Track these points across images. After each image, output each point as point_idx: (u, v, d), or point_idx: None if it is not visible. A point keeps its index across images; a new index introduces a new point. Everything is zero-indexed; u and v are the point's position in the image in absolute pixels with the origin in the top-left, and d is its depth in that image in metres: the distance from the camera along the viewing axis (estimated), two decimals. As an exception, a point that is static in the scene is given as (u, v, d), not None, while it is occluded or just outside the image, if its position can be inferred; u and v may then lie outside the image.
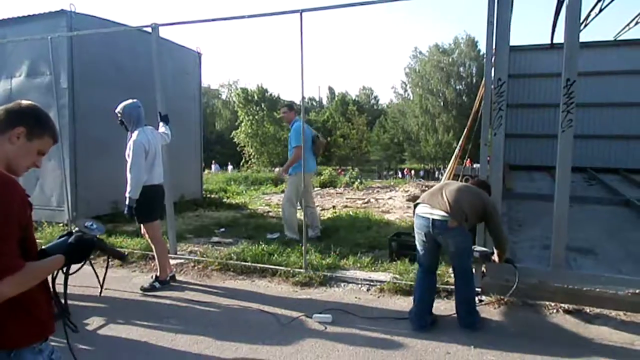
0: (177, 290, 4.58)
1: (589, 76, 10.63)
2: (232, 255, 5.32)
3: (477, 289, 3.92)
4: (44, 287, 1.57)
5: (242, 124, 46.82)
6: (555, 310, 3.89)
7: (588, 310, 3.83)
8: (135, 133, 4.43)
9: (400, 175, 42.27)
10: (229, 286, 4.72)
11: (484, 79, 4.56)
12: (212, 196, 11.34)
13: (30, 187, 7.35)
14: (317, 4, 4.73)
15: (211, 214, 8.79)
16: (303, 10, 4.59)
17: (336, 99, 61.96)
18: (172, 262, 5.16)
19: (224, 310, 4.09)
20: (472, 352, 3.24)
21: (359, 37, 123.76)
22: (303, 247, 4.93)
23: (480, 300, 4.06)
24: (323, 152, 6.43)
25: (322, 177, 17.60)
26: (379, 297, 4.34)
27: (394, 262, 5.03)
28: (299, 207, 6.48)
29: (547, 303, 3.97)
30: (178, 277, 4.95)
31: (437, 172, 43.17)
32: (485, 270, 4.26)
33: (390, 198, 12.40)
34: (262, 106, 47.55)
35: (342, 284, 4.65)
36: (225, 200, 11.03)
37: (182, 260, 5.42)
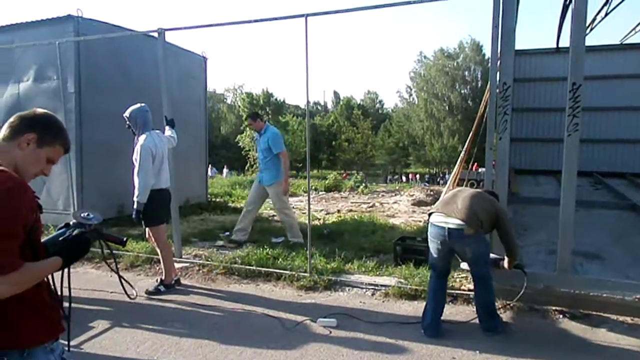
0: (182, 294, 4.59)
1: (595, 80, 10.59)
2: (237, 259, 5.33)
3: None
4: (51, 288, 1.59)
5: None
6: (561, 316, 3.86)
7: (595, 316, 3.80)
8: (143, 137, 4.46)
9: (404, 180, 42.21)
10: (233, 290, 4.72)
11: (489, 83, 4.56)
12: (217, 200, 11.36)
13: (37, 191, 7.26)
14: (322, 9, 4.76)
15: (216, 218, 8.80)
16: (308, 15, 4.60)
17: (341, 103, 62.07)
18: (177, 265, 5.17)
19: (228, 314, 4.09)
20: (478, 357, 3.22)
21: (363, 42, 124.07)
22: (308, 251, 4.93)
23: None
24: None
25: (327, 181, 17.61)
26: (383, 301, 4.32)
27: (399, 267, 5.01)
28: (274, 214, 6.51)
29: (553, 308, 3.95)
30: (183, 281, 4.96)
31: (438, 178, 43.02)
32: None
33: (395, 202, 12.38)
34: (267, 110, 47.71)
35: (347, 288, 4.64)
36: (230, 204, 11.04)
37: (187, 264, 5.43)
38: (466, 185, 10.67)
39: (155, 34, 5.48)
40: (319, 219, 8.86)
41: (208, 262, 5.37)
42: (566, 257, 4.06)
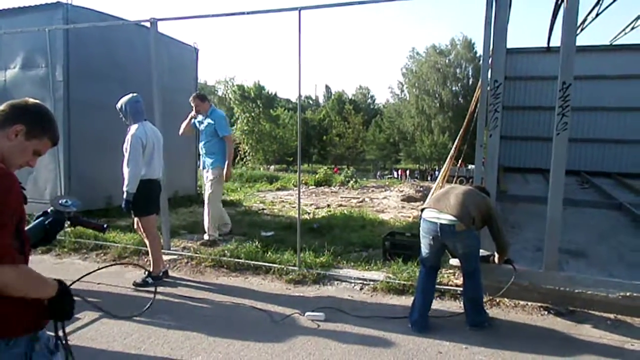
0: (170, 286, 4.57)
1: (584, 80, 10.69)
2: (226, 252, 5.32)
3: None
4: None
5: (238, 121, 46.76)
6: (547, 312, 3.92)
7: (579, 312, 3.86)
8: (134, 127, 4.45)
9: (395, 175, 42.40)
10: (222, 283, 4.71)
11: (480, 80, 4.58)
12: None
13: (24, 180, 7.16)
14: (315, 2, 4.73)
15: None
16: (302, 8, 4.58)
17: (333, 97, 62.03)
18: (165, 257, 5.15)
19: (216, 306, 4.08)
20: (464, 352, 3.26)
21: (356, 36, 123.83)
22: (297, 245, 4.93)
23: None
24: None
25: (317, 176, 17.62)
26: (372, 295, 4.35)
27: (388, 261, 5.04)
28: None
29: (539, 304, 4.00)
30: (171, 273, 4.94)
31: (427, 174, 43.22)
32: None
33: (385, 198, 12.43)
34: (258, 103, 47.50)
35: (336, 283, 4.66)
36: (219, 196, 10.99)
37: (175, 256, 5.41)
38: (455, 182, 10.75)
39: (147, 24, 5.42)
40: (309, 213, 8.87)
41: (197, 255, 5.36)
42: (552, 255, 4.11)
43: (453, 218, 3.45)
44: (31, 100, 1.62)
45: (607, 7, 9.62)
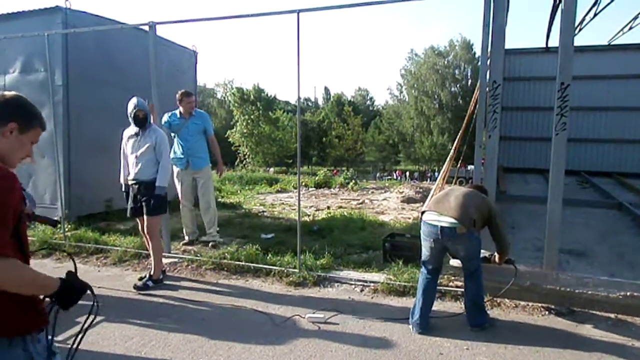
0: (171, 289, 4.57)
1: (583, 80, 10.71)
2: (226, 254, 5.31)
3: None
4: None
5: (238, 124, 46.78)
6: (547, 312, 3.92)
7: (580, 312, 3.86)
8: (157, 128, 4.75)
9: (394, 177, 42.43)
10: (222, 285, 4.71)
11: (479, 81, 4.58)
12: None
13: (23, 184, 7.27)
14: (314, 5, 4.74)
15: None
16: (300, 11, 4.59)
17: (332, 99, 62.08)
18: (165, 261, 5.16)
19: (217, 309, 4.08)
20: (465, 352, 3.26)
21: (355, 38, 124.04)
22: (298, 248, 4.93)
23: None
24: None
25: (317, 178, 17.60)
26: (372, 297, 4.35)
27: (388, 263, 5.04)
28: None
29: (540, 305, 4.00)
30: (171, 275, 4.94)
31: (428, 174, 43.21)
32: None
33: (384, 199, 12.43)
34: (258, 106, 47.52)
35: (336, 284, 4.66)
36: (219, 199, 10.99)
37: (175, 259, 5.41)
38: (455, 183, 10.75)
39: (146, 27, 5.43)
40: (309, 215, 8.87)
41: (197, 258, 5.36)
42: (553, 255, 4.11)
43: (454, 221, 3.45)
44: (8, 93, 1.63)
45: (605, 7, 9.64)
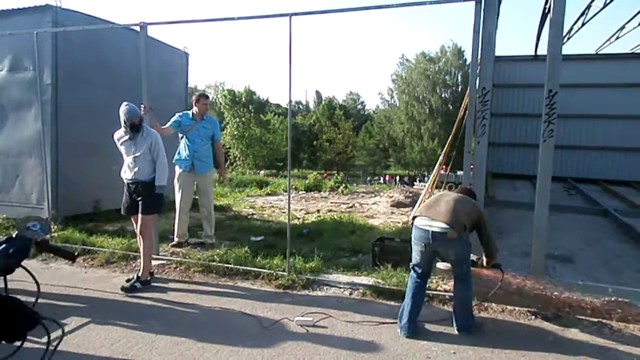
0: (159, 292, 4.53)
1: (571, 88, 10.87)
2: (215, 257, 5.29)
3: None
4: None
5: (228, 126, 46.63)
6: (534, 317, 3.95)
7: (566, 317, 3.90)
8: (150, 129, 4.77)
9: (381, 180, 42.58)
10: (211, 288, 4.68)
11: (469, 87, 4.64)
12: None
13: (10, 184, 7.21)
14: (306, 9, 4.76)
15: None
16: (293, 14, 4.60)
17: (323, 103, 62.18)
18: (154, 262, 5.12)
19: (205, 312, 4.06)
20: (453, 356, 3.28)
21: (347, 43, 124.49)
22: (287, 251, 4.93)
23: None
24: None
25: (307, 181, 17.62)
26: (361, 301, 4.35)
27: (377, 267, 5.05)
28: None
29: (526, 309, 4.04)
30: (160, 277, 4.90)
31: (418, 179, 43.42)
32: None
33: (374, 203, 12.46)
34: (250, 108, 47.44)
35: (325, 288, 4.66)
36: (209, 201, 10.93)
37: (164, 261, 5.37)
38: (444, 188, 10.82)
39: (137, 28, 5.40)
40: (299, 219, 8.87)
41: (186, 260, 5.32)
42: (539, 260, 4.16)
43: (445, 226, 3.48)
44: None
45: (592, 17, 9.81)
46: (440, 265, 4.09)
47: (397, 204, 11.65)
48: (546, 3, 9.02)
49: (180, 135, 6.09)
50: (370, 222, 8.57)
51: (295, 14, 4.62)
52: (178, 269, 5.19)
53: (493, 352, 3.34)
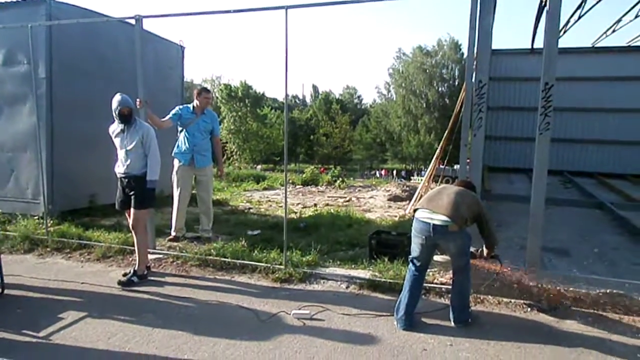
0: (155, 286, 4.54)
1: (567, 81, 10.87)
2: (212, 251, 5.29)
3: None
4: None
5: (225, 120, 46.49)
6: (530, 309, 3.98)
7: (562, 309, 3.93)
8: (143, 122, 4.75)
9: (377, 175, 42.62)
10: (208, 282, 4.68)
11: (465, 81, 4.63)
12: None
13: (5, 178, 7.18)
14: (302, 1, 4.73)
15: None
16: (288, 7, 4.57)
17: (320, 97, 62.04)
18: (150, 256, 5.11)
19: (202, 305, 4.06)
20: (449, 348, 3.30)
21: (344, 36, 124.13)
22: (284, 244, 4.93)
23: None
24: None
25: (304, 175, 17.62)
26: (357, 294, 4.37)
27: (374, 260, 5.06)
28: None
29: (522, 301, 4.06)
30: (156, 271, 4.91)
31: (414, 173, 43.48)
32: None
33: (371, 197, 12.48)
34: (246, 102, 47.29)
35: (322, 281, 4.67)
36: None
37: (160, 255, 5.36)
38: (441, 181, 10.85)
39: (132, 21, 5.36)
40: (296, 213, 8.88)
41: (182, 254, 5.32)
42: (535, 253, 4.18)
43: (446, 219, 3.49)
44: None
45: (589, 10, 9.80)
46: (438, 257, 4.10)
47: (394, 198, 11.67)
48: (543, -4, 9.00)
49: (179, 129, 6.07)
50: (367, 216, 8.59)
51: (291, 7, 4.59)
52: (175, 263, 5.19)
53: (489, 344, 3.36)
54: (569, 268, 4.62)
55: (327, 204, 10.65)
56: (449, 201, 3.56)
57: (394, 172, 44.70)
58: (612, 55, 11.84)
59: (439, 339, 3.43)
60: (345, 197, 12.33)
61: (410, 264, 3.80)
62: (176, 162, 6.03)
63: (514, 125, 12.47)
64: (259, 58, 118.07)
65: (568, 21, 10.63)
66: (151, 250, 5.29)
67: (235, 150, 46.63)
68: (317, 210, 9.37)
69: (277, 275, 4.71)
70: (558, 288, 3.97)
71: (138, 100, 5.12)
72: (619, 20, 11.30)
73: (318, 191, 14.44)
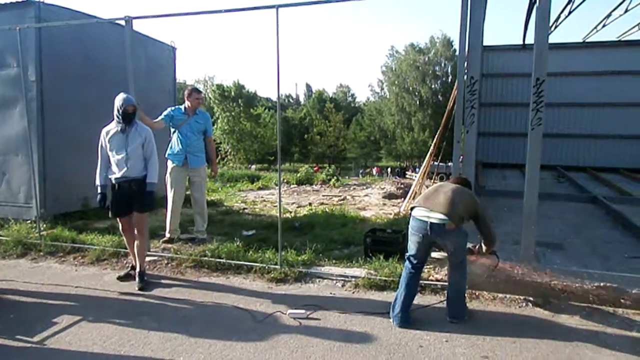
0: (150, 288, 4.51)
1: (558, 77, 10.94)
2: (207, 252, 5.27)
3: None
4: None
5: (219, 121, 46.36)
6: (525, 304, 4.00)
7: (557, 303, 3.95)
8: (143, 125, 4.69)
9: (373, 173, 42.64)
10: (203, 283, 4.67)
11: (457, 78, 4.64)
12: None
13: None
14: (293, 0, 4.71)
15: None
16: (279, 6, 4.56)
17: (313, 96, 62.03)
18: (145, 259, 5.07)
19: (197, 307, 4.05)
20: (445, 344, 3.30)
21: (336, 35, 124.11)
22: (279, 244, 4.92)
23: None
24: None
25: (298, 175, 17.61)
26: (353, 292, 4.37)
27: (369, 258, 5.07)
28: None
29: (518, 296, 4.08)
30: (151, 274, 4.88)
31: (410, 170, 43.56)
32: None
33: (366, 195, 12.49)
34: (239, 102, 47.17)
35: (317, 280, 4.67)
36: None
37: (155, 258, 5.34)
38: (435, 178, 10.87)
39: (122, 22, 5.33)
40: (291, 212, 8.86)
41: (177, 255, 5.30)
42: (529, 247, 4.19)
43: (443, 217, 3.49)
44: None
45: (578, 5, 9.85)
46: (434, 254, 4.11)
47: (389, 196, 11.68)
48: (533, -8, 9.04)
49: (172, 130, 6.03)
50: (361, 214, 8.59)
51: (282, 6, 4.58)
52: (169, 265, 5.17)
53: (485, 339, 3.37)
54: (564, 262, 4.65)
55: (322, 203, 10.65)
56: (446, 199, 3.57)
57: (389, 169, 44.73)
58: (603, 50, 11.91)
59: (435, 335, 3.44)
60: (340, 196, 12.33)
61: (407, 262, 3.80)
62: (169, 164, 5.99)
63: (507, 121, 12.53)
64: (252, 57, 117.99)
65: (558, 16, 10.69)
66: (146, 252, 5.25)
67: (229, 150, 46.51)
68: (312, 209, 9.36)
69: (272, 275, 4.70)
70: (553, 282, 3.99)
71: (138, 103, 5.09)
72: (609, 15, 11.37)
73: (313, 190, 14.43)
